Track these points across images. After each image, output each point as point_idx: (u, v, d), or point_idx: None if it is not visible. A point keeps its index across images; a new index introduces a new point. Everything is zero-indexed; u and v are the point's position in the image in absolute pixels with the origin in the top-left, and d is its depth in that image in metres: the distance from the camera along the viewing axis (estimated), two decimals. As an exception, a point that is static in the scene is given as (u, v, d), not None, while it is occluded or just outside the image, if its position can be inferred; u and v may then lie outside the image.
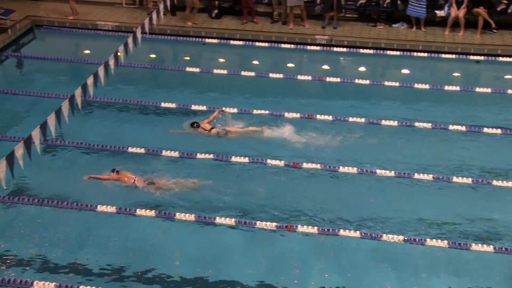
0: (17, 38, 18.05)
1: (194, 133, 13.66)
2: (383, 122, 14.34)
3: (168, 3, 14.92)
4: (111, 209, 11.38)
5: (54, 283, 9.73)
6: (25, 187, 11.93)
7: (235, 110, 14.57)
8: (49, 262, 10.27)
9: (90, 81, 11.59)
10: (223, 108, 14.20)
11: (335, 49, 18.12)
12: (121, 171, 12.07)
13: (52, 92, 15.04)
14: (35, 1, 20.11)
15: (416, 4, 18.16)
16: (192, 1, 18.51)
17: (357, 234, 10.96)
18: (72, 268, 10.17)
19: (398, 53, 17.92)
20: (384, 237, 10.90)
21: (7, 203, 11.50)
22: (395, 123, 14.31)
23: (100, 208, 11.39)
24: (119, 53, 12.67)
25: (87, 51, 17.66)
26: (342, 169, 12.64)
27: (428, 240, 10.83)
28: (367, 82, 16.33)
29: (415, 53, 17.86)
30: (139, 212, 11.35)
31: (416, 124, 14.25)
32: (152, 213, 11.32)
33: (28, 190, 11.88)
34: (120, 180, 11.97)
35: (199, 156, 12.94)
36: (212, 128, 13.69)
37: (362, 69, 17.16)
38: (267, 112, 14.57)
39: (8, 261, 10.27)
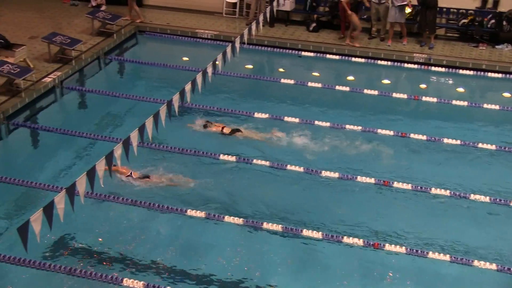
0: (121, 42, 18.70)
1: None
2: (480, 145, 13.91)
3: (268, 15, 15.05)
4: (200, 214, 11.58)
5: (142, 282, 9.94)
6: (118, 186, 12.25)
7: (327, 124, 14.55)
8: (139, 261, 10.53)
9: (188, 87, 11.75)
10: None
11: (433, 68, 17.76)
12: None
13: (150, 96, 15.47)
14: (139, 8, 20.78)
15: None
16: (359, 22, 18.33)
17: (446, 257, 10.70)
18: (161, 269, 10.38)
19: (499, 75, 17.36)
20: (476, 262, 10.58)
21: (102, 201, 11.84)
22: (492, 147, 13.86)
23: (190, 212, 11.59)
24: (217, 62, 12.85)
25: (186, 58, 18.04)
26: (434, 190, 12.37)
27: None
28: (465, 103, 15.89)
29: (519, 77, 17.28)
30: (227, 219, 11.48)
31: (516, 149, 13.81)
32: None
33: (121, 189, 12.19)
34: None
35: (289, 167, 12.97)
36: (224, 127, 14.04)
37: (460, 90, 16.75)
38: (359, 128, 14.46)
39: (101, 257, 10.60)
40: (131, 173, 12.36)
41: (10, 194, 12.09)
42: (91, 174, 9.03)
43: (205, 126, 14.23)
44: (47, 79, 15.67)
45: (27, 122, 14.50)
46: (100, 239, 11.01)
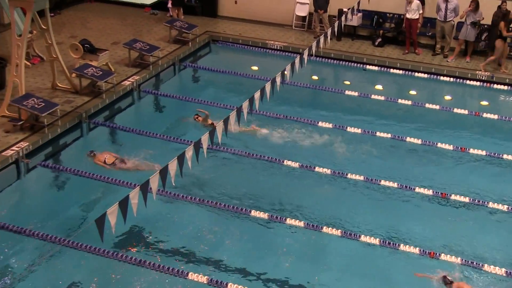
0: (196, 50, 19.55)
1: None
2: (541, 164, 14.05)
3: (336, 29, 15.56)
4: (263, 215, 12.10)
5: (206, 277, 10.48)
6: (189, 186, 12.91)
7: (388, 136, 14.95)
8: (204, 257, 11.17)
9: (257, 95, 12.10)
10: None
11: (496, 86, 17.86)
12: (97, 153, 13.50)
13: (221, 102, 16.11)
14: (214, 18, 21.76)
15: None
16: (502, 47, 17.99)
17: (502, 272, 10.88)
18: (224, 265, 10.99)
19: None
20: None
21: (173, 199, 12.47)
22: (552, 166, 13.99)
23: (254, 213, 12.14)
24: (285, 72, 13.24)
25: (255, 67, 18.67)
26: (491, 204, 12.58)
27: None
28: (528, 122, 16.00)
29: None
30: (288, 221, 12.01)
31: None
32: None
33: (190, 188, 12.83)
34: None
35: (349, 175, 13.36)
36: (212, 123, 14.51)
37: (524, 108, 16.83)
38: (419, 141, 14.78)
39: (169, 251, 11.29)
40: (113, 162, 13.35)
41: (89, 189, 12.91)
42: (164, 173, 9.53)
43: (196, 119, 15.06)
44: (126, 82, 16.65)
45: (106, 122, 15.41)
46: (167, 234, 11.69)
